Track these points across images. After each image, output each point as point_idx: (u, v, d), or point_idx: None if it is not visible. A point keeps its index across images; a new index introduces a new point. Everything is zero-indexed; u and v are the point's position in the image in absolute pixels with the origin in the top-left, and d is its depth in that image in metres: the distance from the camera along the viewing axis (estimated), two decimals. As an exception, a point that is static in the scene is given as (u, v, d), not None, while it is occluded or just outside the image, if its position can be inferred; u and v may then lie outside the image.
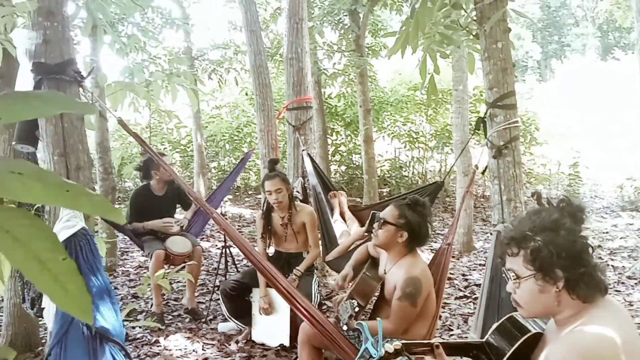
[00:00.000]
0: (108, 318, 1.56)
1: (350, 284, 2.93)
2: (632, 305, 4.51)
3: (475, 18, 2.83)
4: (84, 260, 1.61)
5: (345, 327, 2.52)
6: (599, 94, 18.92)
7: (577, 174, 9.81)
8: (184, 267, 4.42)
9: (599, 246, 6.56)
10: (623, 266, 5.61)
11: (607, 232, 7.37)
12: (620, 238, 6.92)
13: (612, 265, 5.70)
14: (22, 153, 2.14)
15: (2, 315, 3.82)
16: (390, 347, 1.48)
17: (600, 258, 6.06)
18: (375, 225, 2.73)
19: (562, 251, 1.38)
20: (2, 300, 3.87)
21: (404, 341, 1.53)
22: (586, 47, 32.68)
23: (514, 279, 1.46)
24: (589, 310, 1.38)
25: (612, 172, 11.82)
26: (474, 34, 3.03)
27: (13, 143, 1.93)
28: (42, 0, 1.75)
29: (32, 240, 0.50)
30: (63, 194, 0.50)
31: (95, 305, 1.57)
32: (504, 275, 1.51)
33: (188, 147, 11.24)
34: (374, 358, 1.58)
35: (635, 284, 5.04)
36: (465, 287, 5.27)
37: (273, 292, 3.78)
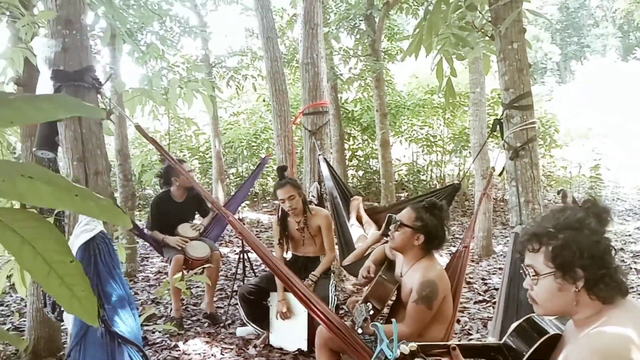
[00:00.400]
0: (126, 321, 1.58)
1: (366, 287, 2.92)
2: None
3: (490, 19, 2.81)
4: (102, 263, 1.64)
5: (360, 330, 2.51)
6: (620, 94, 18.60)
7: (598, 176, 9.64)
8: (202, 271, 4.47)
9: (622, 249, 6.44)
10: (647, 269, 5.50)
11: (629, 235, 7.23)
12: (644, 241, 6.78)
13: (635, 268, 5.59)
14: (43, 159, 2.19)
15: (25, 320, 3.89)
16: (405, 348, 1.47)
17: (623, 261, 5.95)
18: (392, 227, 2.71)
19: (584, 251, 1.35)
20: (26, 305, 3.94)
21: (419, 343, 1.52)
22: (606, 48, 32.20)
23: (533, 276, 1.44)
24: (609, 311, 1.36)
25: (634, 174, 11.60)
26: (489, 35, 3.02)
27: (34, 149, 1.99)
28: (61, 9, 1.80)
29: (40, 242, 0.51)
30: (72, 198, 0.51)
31: (113, 308, 1.60)
32: (521, 271, 1.49)
33: (207, 154, 11.34)
34: (389, 359, 1.57)
35: (660, 287, 4.94)
36: (485, 291, 5.21)
37: (291, 296, 3.79)
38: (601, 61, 26.83)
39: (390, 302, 3.01)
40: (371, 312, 2.58)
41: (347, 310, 4.53)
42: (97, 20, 3.75)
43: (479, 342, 1.80)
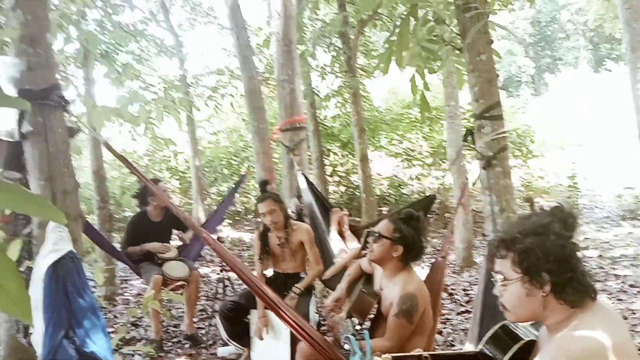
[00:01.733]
0: (97, 341, 1.55)
1: (347, 301, 2.91)
2: (634, 313, 4.47)
3: (458, 32, 2.87)
4: (71, 283, 1.61)
5: (346, 347, 2.49)
6: (593, 105, 19.03)
7: (575, 185, 9.83)
8: (182, 292, 4.41)
9: (600, 255, 6.54)
10: (625, 275, 5.58)
11: (608, 242, 7.35)
12: (622, 247, 6.89)
13: (615, 274, 5.67)
14: (12, 180, 2.15)
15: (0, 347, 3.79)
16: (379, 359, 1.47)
17: (601, 267, 6.03)
18: (370, 239, 2.71)
19: (550, 255, 1.37)
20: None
21: (393, 354, 1.52)
22: (578, 60, 33.02)
23: (502, 282, 1.45)
24: (578, 315, 1.37)
25: (610, 182, 11.83)
26: (458, 48, 3.07)
27: (0, 170, 1.96)
28: (25, 28, 1.79)
29: None
30: (2, 195, 0.50)
31: (83, 329, 1.56)
32: (492, 279, 1.50)
33: (186, 174, 11.27)
34: None
35: (638, 292, 5.01)
36: (467, 302, 5.23)
37: (272, 313, 3.75)
38: (574, 73, 27.48)
39: (370, 316, 3.00)
40: (357, 327, 2.56)
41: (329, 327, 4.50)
42: (68, 41, 3.73)
43: (454, 352, 1.80)
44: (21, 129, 1.73)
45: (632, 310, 4.54)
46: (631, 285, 5.19)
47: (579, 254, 1.41)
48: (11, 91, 1.79)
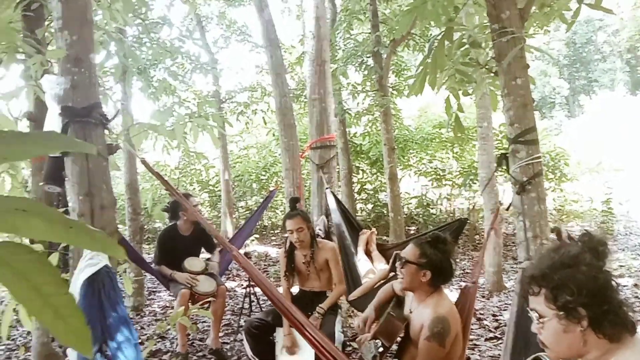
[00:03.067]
0: (129, 355, 1.57)
1: (375, 324, 2.88)
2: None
3: (493, 56, 2.85)
4: (106, 297, 1.64)
5: None
6: (630, 128, 18.57)
7: (610, 210, 9.56)
8: (209, 305, 4.44)
9: (636, 284, 6.32)
10: (663, 306, 5.37)
11: (645, 271, 7.10)
12: (659, 276, 6.65)
13: (633, 311, 5.45)
14: (52, 194, 2.22)
15: (30, 354, 3.87)
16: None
17: (637, 297, 5.82)
18: (398, 264, 2.68)
19: (582, 288, 1.32)
20: (31, 339, 3.92)
21: None
22: (615, 82, 32.35)
23: (538, 319, 1.41)
24: (616, 351, 1.32)
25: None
26: (493, 71, 3.05)
27: (41, 184, 2.02)
28: (71, 48, 1.86)
29: (34, 274, 0.52)
30: (66, 230, 0.52)
31: (116, 343, 1.59)
32: (529, 315, 1.46)
33: (216, 187, 11.42)
34: None
35: (677, 324, 4.81)
36: (496, 328, 5.11)
37: (297, 331, 3.74)
38: (610, 95, 26.92)
39: (398, 339, 2.96)
40: (380, 349, 2.53)
41: (355, 347, 4.46)
42: (109, 56, 3.86)
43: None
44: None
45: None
46: (670, 317, 4.99)
47: (613, 283, 1.36)
48: (55, 108, 1.87)
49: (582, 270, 1.33)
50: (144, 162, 2.09)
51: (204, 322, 5.42)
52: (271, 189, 10.99)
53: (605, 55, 35.61)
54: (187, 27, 9.39)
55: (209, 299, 4.40)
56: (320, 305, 3.72)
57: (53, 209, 0.52)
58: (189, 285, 4.36)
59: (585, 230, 1.47)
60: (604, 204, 9.58)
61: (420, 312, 2.58)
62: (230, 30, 10.44)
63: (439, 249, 2.60)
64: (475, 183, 9.89)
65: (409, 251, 2.63)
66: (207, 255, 4.98)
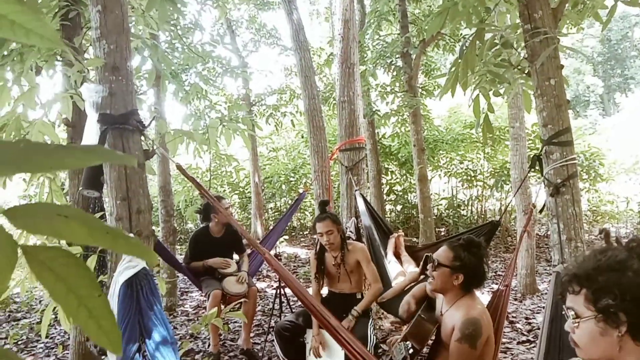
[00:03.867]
0: (166, 356, 1.61)
1: (405, 326, 2.87)
2: None
3: (526, 56, 2.82)
4: (144, 299, 1.68)
5: None
6: (670, 127, 17.98)
7: (648, 212, 9.28)
8: (240, 306, 4.50)
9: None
10: None
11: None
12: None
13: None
14: (89, 198, 2.29)
15: (68, 352, 3.99)
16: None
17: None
18: (429, 267, 2.66)
19: (626, 294, 1.30)
20: (69, 338, 4.05)
21: None
22: (652, 79, 31.37)
23: (574, 319, 1.39)
24: None
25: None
26: (525, 72, 3.01)
27: (80, 189, 2.09)
28: (108, 57, 1.92)
29: (71, 277, 0.55)
30: (104, 236, 0.55)
31: (154, 344, 1.63)
32: (563, 313, 1.44)
33: (246, 189, 11.54)
34: None
35: None
36: (529, 331, 5.02)
37: (327, 333, 3.75)
38: (647, 93, 26.10)
39: (429, 342, 2.95)
40: (410, 351, 2.52)
41: (385, 349, 4.45)
42: (144, 62, 3.95)
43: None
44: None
45: None
46: None
47: None
48: (93, 115, 1.93)
49: (628, 275, 1.31)
50: (178, 167, 2.14)
51: (235, 322, 5.49)
52: (300, 190, 11.09)
53: (642, 51, 34.58)
54: (217, 31, 9.55)
55: (240, 300, 4.46)
56: (355, 307, 3.71)
57: (92, 215, 0.56)
58: (221, 276, 4.50)
59: (635, 235, 1.44)
60: (640, 205, 9.32)
61: (452, 314, 2.56)
62: (259, 34, 10.55)
63: (472, 253, 2.57)
64: (507, 184, 9.74)
65: (442, 254, 2.61)
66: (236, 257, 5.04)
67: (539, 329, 5.03)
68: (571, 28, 4.51)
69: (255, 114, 10.34)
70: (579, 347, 1.40)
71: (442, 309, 2.68)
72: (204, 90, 6.94)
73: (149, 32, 3.76)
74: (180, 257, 5.59)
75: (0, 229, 0.51)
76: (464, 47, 2.84)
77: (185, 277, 6.73)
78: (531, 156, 2.94)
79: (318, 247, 3.96)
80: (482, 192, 10.42)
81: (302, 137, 11.45)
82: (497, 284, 6.82)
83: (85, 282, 0.55)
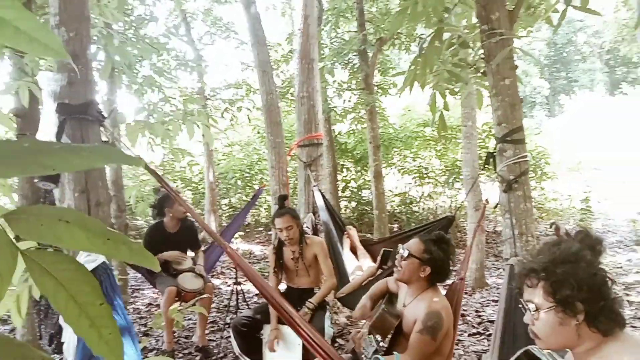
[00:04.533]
0: (127, 351, 1.57)
1: (368, 320, 2.91)
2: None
3: (482, 56, 2.90)
4: (104, 294, 1.63)
5: None
6: (609, 128, 18.95)
7: (588, 209, 9.76)
8: (194, 303, 4.43)
9: (614, 281, 6.46)
10: (638, 301, 5.52)
11: (620, 267, 7.27)
12: (635, 272, 6.81)
13: (628, 300, 5.60)
14: (39, 191, 2.19)
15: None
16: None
17: (615, 293, 5.96)
18: (398, 257, 2.72)
19: (582, 284, 1.36)
20: (14, 336, 3.88)
21: None
22: (594, 83, 32.94)
23: (533, 311, 1.45)
24: (608, 344, 1.37)
25: (623, 206, 11.72)
26: (481, 71, 3.10)
27: (35, 180, 2.00)
28: (67, 45, 1.85)
29: (73, 284, 0.53)
30: (105, 242, 0.54)
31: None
32: (521, 306, 1.50)
33: (200, 185, 11.36)
34: None
35: (653, 319, 4.95)
36: (479, 324, 5.19)
37: (285, 328, 3.75)
38: (589, 95, 27.41)
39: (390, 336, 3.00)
40: (380, 344, 2.56)
41: (341, 344, 4.49)
42: (97, 53, 3.82)
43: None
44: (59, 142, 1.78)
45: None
46: (646, 313, 5.13)
47: (609, 280, 1.41)
48: (51, 105, 1.85)
49: (582, 266, 1.38)
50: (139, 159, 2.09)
51: (189, 319, 5.41)
52: (256, 186, 11.02)
53: (585, 55, 36.26)
54: (172, 23, 9.33)
55: (196, 297, 4.39)
56: (309, 300, 3.73)
57: (94, 219, 0.54)
58: (175, 272, 4.43)
59: (583, 227, 1.52)
60: (582, 202, 9.78)
61: (415, 307, 2.63)
62: (215, 27, 10.38)
63: (442, 249, 2.67)
64: (458, 182, 10.01)
65: (414, 245, 2.69)
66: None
67: (488, 321, 5.22)
68: (522, 30, 4.68)
69: (210, 108, 10.17)
70: (539, 338, 1.45)
71: (405, 301, 2.74)
72: (158, 83, 6.78)
73: (103, 21, 3.64)
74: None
75: (1, 233, 0.48)
76: (423, 46, 2.90)
77: (137, 274, 6.58)
78: (486, 154, 3.03)
79: (276, 242, 3.95)
80: (434, 189, 10.67)
81: (258, 132, 11.37)
82: (450, 278, 7.01)
83: (87, 289, 0.54)
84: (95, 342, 0.55)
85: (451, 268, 2.71)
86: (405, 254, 2.67)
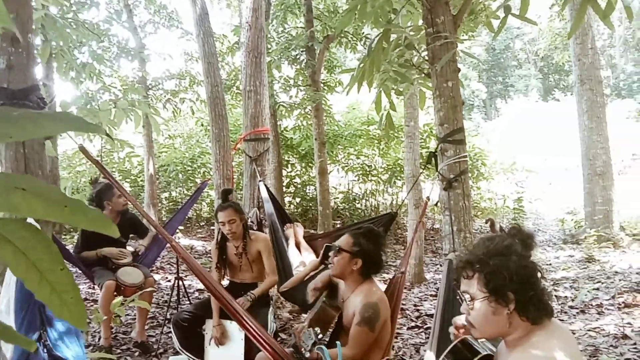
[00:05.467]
0: (71, 345, 1.53)
1: (309, 313, 2.95)
2: (574, 333, 4.71)
3: (427, 58, 3.00)
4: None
5: (307, 355, 2.52)
6: (542, 132, 19.97)
7: (521, 208, 10.26)
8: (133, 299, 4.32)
9: (543, 274, 6.84)
10: (566, 296, 5.87)
11: (550, 264, 7.69)
12: (563, 269, 7.23)
13: (556, 295, 5.94)
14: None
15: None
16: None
17: (543, 284, 6.31)
18: (331, 253, 2.78)
19: (513, 275, 1.46)
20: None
21: None
22: (529, 88, 34.57)
23: (469, 301, 1.54)
24: (537, 332, 1.46)
25: (553, 207, 12.41)
26: (425, 72, 3.21)
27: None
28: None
29: (32, 251, 0.53)
30: (62, 210, 0.53)
31: (57, 333, 1.54)
32: (458, 297, 1.58)
33: (139, 177, 11.04)
34: None
35: (577, 313, 5.28)
36: (417, 317, 5.36)
37: (227, 323, 3.74)
38: (524, 100, 28.76)
39: (331, 330, 3.05)
40: (320, 336, 2.60)
41: (283, 338, 4.52)
42: (35, 35, 3.63)
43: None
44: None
45: (572, 330, 4.78)
46: (571, 307, 5.46)
47: (538, 272, 1.52)
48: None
49: (513, 259, 1.47)
50: (82, 148, 2.02)
51: (127, 315, 5.26)
52: (198, 180, 10.83)
53: (521, 62, 37.98)
54: (114, 9, 8.99)
55: (136, 291, 4.29)
56: (251, 292, 3.72)
57: (53, 186, 0.53)
58: (114, 266, 4.31)
59: (516, 223, 1.62)
60: (515, 202, 10.27)
61: (352, 300, 2.69)
62: (159, 15, 10.09)
63: (371, 241, 2.74)
64: (399, 180, 10.26)
65: (343, 240, 2.75)
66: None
67: (426, 315, 5.40)
68: (463, 35, 4.86)
69: (151, 99, 9.90)
70: (474, 327, 1.54)
71: (344, 296, 2.81)
72: (98, 71, 6.54)
73: (41, 3, 3.47)
74: (69, 248, 5.24)
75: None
76: (372, 46, 2.96)
77: (73, 268, 6.33)
78: (428, 153, 3.14)
79: (219, 236, 3.92)
80: (377, 187, 10.88)
81: (202, 125, 11.16)
82: (388, 273, 7.20)
83: (47, 256, 0.53)
84: (57, 307, 0.55)
85: (384, 259, 2.79)
86: (336, 249, 2.72)
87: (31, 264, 0.53)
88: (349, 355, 2.50)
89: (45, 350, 1.48)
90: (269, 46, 8.58)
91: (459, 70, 2.87)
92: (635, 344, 4.22)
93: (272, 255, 3.94)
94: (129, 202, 3.66)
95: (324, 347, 1.93)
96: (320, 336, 2.51)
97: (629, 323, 4.72)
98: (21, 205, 0.51)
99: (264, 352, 2.53)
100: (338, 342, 1.91)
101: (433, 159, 3.09)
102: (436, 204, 3.15)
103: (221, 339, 3.71)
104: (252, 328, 2.49)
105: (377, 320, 2.56)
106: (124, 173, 11.15)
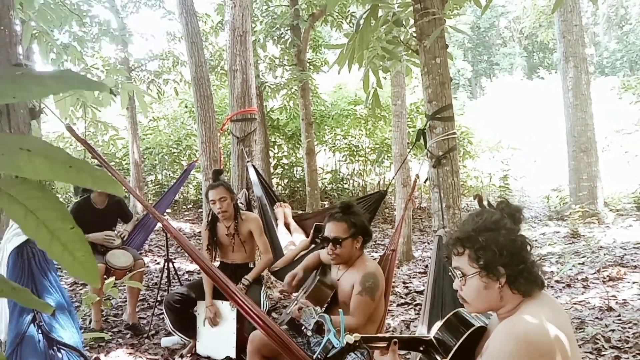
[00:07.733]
0: (65, 325, 1.52)
1: (304, 291, 2.96)
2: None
3: (415, 34, 2.98)
4: (37, 267, 1.56)
5: (309, 334, 2.54)
6: (527, 110, 20.09)
7: (507, 186, 10.36)
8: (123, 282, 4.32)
9: (532, 246, 6.96)
10: (552, 271, 5.97)
11: (536, 240, 7.81)
12: (548, 245, 7.35)
13: (542, 270, 6.04)
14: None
15: None
16: (351, 338, 1.56)
17: (533, 257, 6.42)
18: (330, 248, 2.74)
19: (503, 249, 1.48)
20: None
21: (362, 335, 1.60)
22: (514, 67, 34.66)
23: (460, 277, 1.56)
24: (527, 302, 1.49)
25: (539, 184, 12.56)
26: (413, 49, 3.19)
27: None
28: (-13, 3, 1.71)
29: (42, 211, 0.53)
30: (67, 170, 0.53)
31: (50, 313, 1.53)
32: (450, 274, 1.60)
33: (124, 160, 10.93)
34: (336, 348, 1.64)
35: (563, 287, 5.38)
36: (407, 294, 5.43)
37: (219, 303, 3.75)
38: (509, 79, 28.84)
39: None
40: (321, 314, 2.62)
41: (275, 317, 4.55)
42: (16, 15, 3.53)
43: (412, 335, 1.91)
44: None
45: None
46: (557, 281, 5.57)
47: (528, 246, 1.54)
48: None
49: (502, 233, 1.49)
50: (69, 128, 1.99)
51: (118, 297, 5.26)
52: (184, 163, 10.75)
53: (505, 40, 38.01)
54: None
55: (125, 274, 4.28)
56: (245, 276, 3.74)
57: (57, 147, 0.53)
58: (104, 249, 4.31)
59: (503, 198, 1.64)
60: (501, 180, 10.38)
61: (350, 274, 2.73)
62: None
63: (356, 213, 2.77)
64: (386, 159, 10.29)
65: (335, 230, 2.72)
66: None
67: (415, 292, 5.47)
68: (451, 11, 4.84)
69: (134, 80, 9.75)
70: (467, 303, 1.57)
71: (339, 273, 2.82)
72: (79, 52, 6.40)
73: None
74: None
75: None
76: (360, 23, 2.94)
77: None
78: (416, 131, 3.15)
79: (210, 217, 3.91)
80: (364, 166, 10.91)
81: (186, 106, 11.04)
82: (377, 252, 7.26)
83: (57, 215, 0.53)
84: (70, 265, 0.56)
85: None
86: (336, 241, 2.69)
87: (41, 223, 0.53)
88: (352, 324, 2.54)
89: (40, 331, 1.48)
90: (254, 25, 8.47)
91: (447, 46, 2.86)
92: (619, 315, 4.32)
93: (263, 234, 3.94)
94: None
95: (326, 315, 1.96)
96: (321, 314, 2.54)
97: (613, 296, 4.83)
98: (26, 166, 0.50)
99: (258, 329, 2.54)
100: (340, 310, 1.93)
101: (422, 136, 3.09)
102: (425, 181, 3.16)
103: (214, 319, 3.73)
104: (246, 304, 2.50)
105: (377, 289, 2.63)
106: (108, 156, 11.01)
